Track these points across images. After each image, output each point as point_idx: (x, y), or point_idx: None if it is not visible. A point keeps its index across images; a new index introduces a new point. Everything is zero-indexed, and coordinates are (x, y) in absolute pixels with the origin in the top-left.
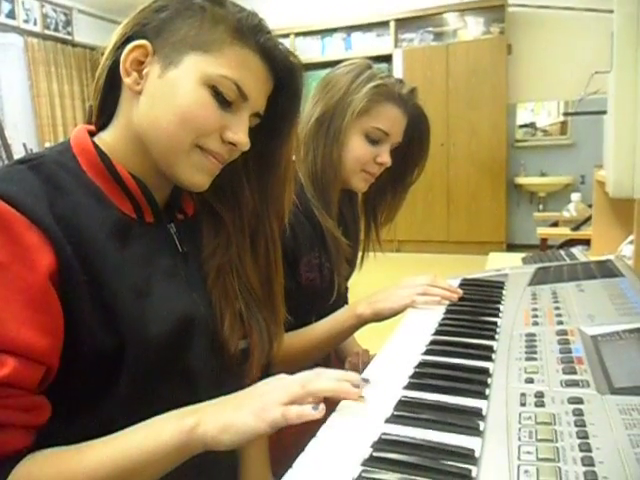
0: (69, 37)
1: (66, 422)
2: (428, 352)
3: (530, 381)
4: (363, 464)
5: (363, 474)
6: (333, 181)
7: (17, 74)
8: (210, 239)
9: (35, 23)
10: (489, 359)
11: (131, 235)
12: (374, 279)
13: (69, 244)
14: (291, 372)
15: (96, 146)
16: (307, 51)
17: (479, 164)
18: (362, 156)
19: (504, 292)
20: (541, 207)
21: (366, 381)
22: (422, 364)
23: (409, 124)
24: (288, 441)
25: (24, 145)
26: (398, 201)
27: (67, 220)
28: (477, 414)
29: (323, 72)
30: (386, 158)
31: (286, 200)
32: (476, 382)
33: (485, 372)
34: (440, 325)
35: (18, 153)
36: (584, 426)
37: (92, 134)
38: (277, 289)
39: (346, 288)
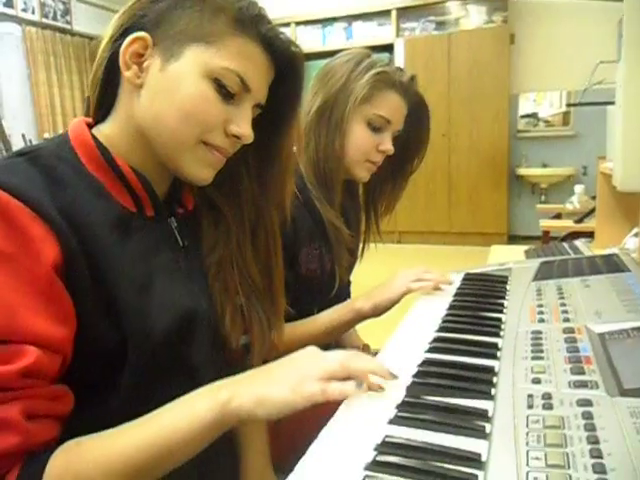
0: (68, 26)
1: (71, 416)
2: (432, 350)
3: (537, 381)
4: (367, 468)
5: (366, 479)
6: (336, 171)
7: (15, 64)
8: (210, 233)
9: (33, 12)
10: (494, 357)
11: (131, 229)
12: (375, 271)
13: (71, 237)
14: None
15: (95, 139)
16: (308, 41)
17: (481, 155)
18: (365, 144)
19: (508, 287)
20: (543, 198)
21: (394, 377)
22: (426, 362)
23: (409, 112)
24: (286, 435)
25: (23, 136)
26: (398, 191)
27: (68, 213)
28: (483, 416)
29: (324, 62)
30: (389, 145)
31: (287, 191)
32: (482, 382)
33: (491, 371)
34: (444, 321)
35: (17, 144)
36: (594, 430)
37: (90, 126)
38: (277, 280)
39: (349, 281)
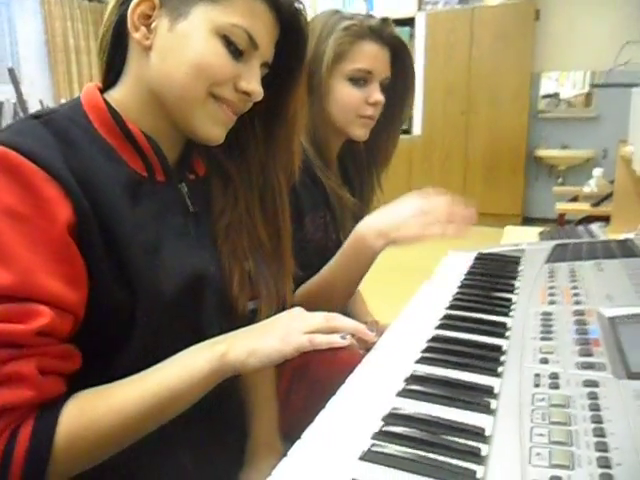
0: None
1: (79, 376)
2: (441, 326)
3: (545, 361)
4: (373, 437)
5: (372, 448)
6: (329, 136)
7: (33, 30)
8: (219, 198)
9: None
10: (503, 336)
11: (142, 193)
12: (388, 248)
13: (83, 198)
14: None
15: (107, 103)
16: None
17: (499, 134)
18: (351, 102)
19: (520, 268)
20: (560, 181)
21: (372, 330)
22: (435, 338)
23: (392, 56)
24: (296, 405)
25: (40, 102)
26: (393, 141)
27: (80, 175)
28: (489, 392)
29: None
30: (377, 96)
31: (295, 152)
32: (489, 359)
33: (498, 350)
34: (454, 299)
35: (34, 109)
36: (598, 410)
37: (101, 91)
38: (285, 243)
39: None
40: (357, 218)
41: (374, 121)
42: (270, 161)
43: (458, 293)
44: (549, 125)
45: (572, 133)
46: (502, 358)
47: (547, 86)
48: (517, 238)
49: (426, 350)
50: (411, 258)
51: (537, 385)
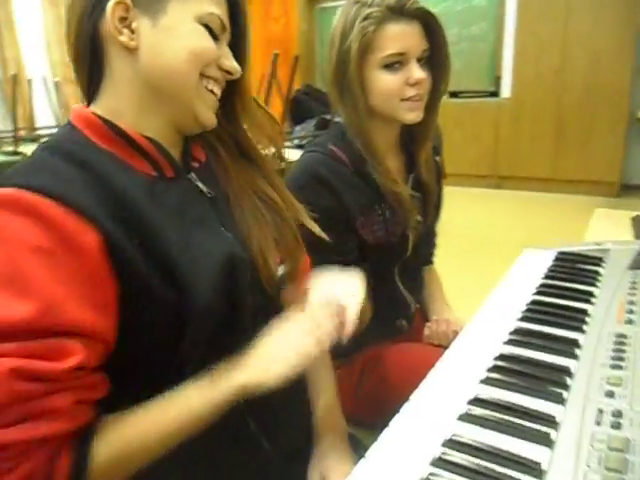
0: None
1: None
2: (510, 342)
3: (610, 395)
4: (432, 464)
5: (430, 477)
6: (380, 129)
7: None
8: (219, 173)
9: None
10: (573, 356)
11: (157, 193)
12: (472, 216)
13: (109, 216)
14: None
15: (98, 116)
16: None
17: (597, 94)
18: (391, 88)
19: (602, 272)
20: None
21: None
22: (502, 356)
23: (424, 28)
24: (367, 392)
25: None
26: (431, 118)
27: (100, 192)
28: (550, 422)
29: None
30: (416, 74)
31: (248, 110)
32: (556, 384)
33: (566, 372)
34: (527, 310)
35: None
36: None
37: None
38: (283, 189)
39: (433, 233)
40: (435, 207)
41: (423, 100)
42: (231, 123)
43: (532, 302)
44: None
45: None
46: (569, 382)
47: None
48: (607, 224)
49: (492, 369)
50: (487, 251)
51: (598, 423)
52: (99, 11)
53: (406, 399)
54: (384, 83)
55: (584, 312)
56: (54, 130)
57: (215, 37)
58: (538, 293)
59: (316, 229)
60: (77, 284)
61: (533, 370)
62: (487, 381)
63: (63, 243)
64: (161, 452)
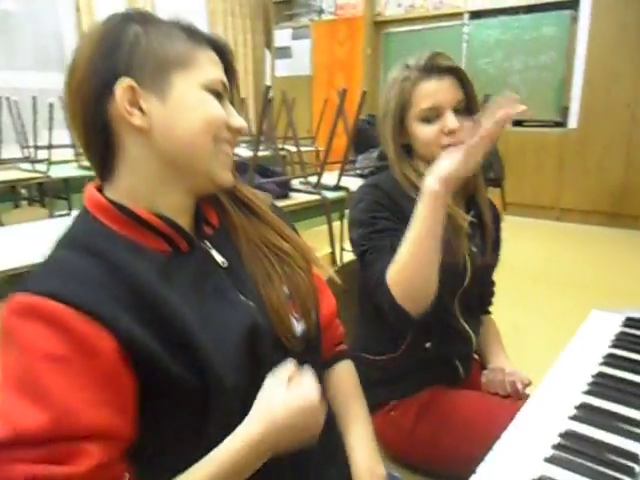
0: None
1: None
2: (575, 418)
3: None
4: None
5: None
6: (425, 169)
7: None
8: (231, 230)
9: None
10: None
11: (173, 270)
12: (532, 248)
13: (126, 312)
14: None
15: (111, 201)
16: None
17: None
18: (429, 137)
19: None
20: None
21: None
22: (567, 435)
23: (458, 81)
24: (423, 437)
25: None
26: None
27: (116, 284)
28: None
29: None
30: (450, 124)
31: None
32: (621, 470)
33: (634, 459)
34: (592, 382)
35: None
36: None
37: (100, 188)
38: (298, 238)
39: (491, 280)
40: (490, 244)
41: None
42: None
43: (598, 374)
44: None
45: None
46: (636, 468)
47: None
48: None
49: (557, 447)
50: (544, 286)
51: None
52: (107, 95)
53: (466, 450)
54: (423, 133)
55: None
56: None
57: (220, 97)
58: (605, 364)
59: (328, 272)
60: (93, 389)
61: (599, 453)
62: (552, 460)
63: (79, 349)
64: None
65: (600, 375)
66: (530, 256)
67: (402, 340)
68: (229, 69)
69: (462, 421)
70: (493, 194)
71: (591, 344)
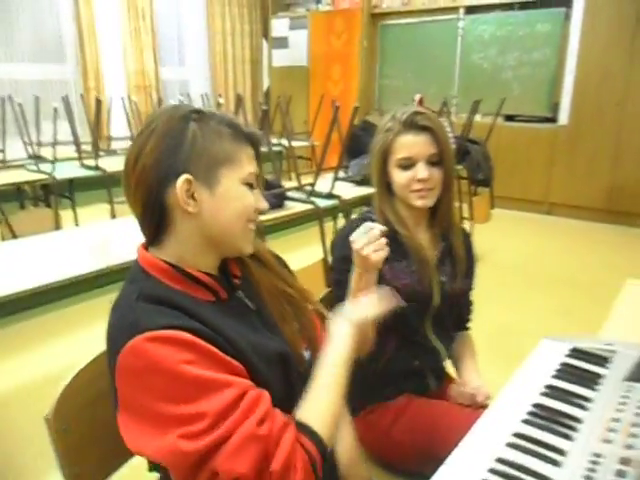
0: None
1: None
2: (510, 445)
3: None
4: None
5: None
6: (403, 208)
7: (196, 15)
8: (251, 280)
9: None
10: (556, 464)
11: (219, 314)
12: (522, 243)
13: (204, 332)
14: None
15: (166, 262)
16: None
17: None
18: (402, 182)
19: (604, 375)
20: None
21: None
22: (500, 460)
23: (432, 137)
24: (399, 438)
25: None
26: (445, 202)
27: (199, 324)
28: None
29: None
30: (420, 174)
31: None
32: None
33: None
34: (529, 413)
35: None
36: None
37: (146, 249)
38: (301, 287)
39: (468, 301)
40: (461, 273)
41: (433, 190)
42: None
43: (535, 406)
44: None
45: None
46: None
47: None
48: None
49: (492, 471)
50: (530, 280)
51: None
52: (168, 186)
53: (434, 451)
54: (399, 178)
55: (577, 420)
56: (129, 142)
57: (252, 187)
58: (543, 394)
59: (323, 311)
60: (224, 371)
61: (524, 477)
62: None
63: (198, 354)
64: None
65: (538, 406)
66: (517, 248)
67: (382, 355)
68: (258, 155)
69: (429, 426)
70: (482, 193)
71: (536, 374)
